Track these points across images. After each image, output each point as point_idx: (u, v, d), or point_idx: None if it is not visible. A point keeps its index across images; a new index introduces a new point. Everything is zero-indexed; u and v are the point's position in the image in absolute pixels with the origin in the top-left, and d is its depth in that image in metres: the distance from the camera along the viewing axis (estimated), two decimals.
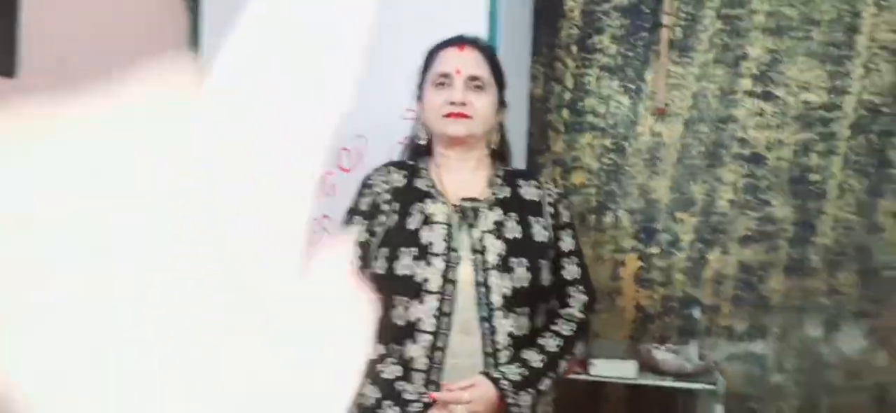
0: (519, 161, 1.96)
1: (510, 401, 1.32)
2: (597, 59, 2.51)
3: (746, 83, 2.42)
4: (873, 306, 2.38)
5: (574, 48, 2.53)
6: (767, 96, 2.41)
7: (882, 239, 2.37)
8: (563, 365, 1.40)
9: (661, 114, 2.48)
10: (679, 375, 2.16)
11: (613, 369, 2.20)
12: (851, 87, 2.36)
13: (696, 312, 2.40)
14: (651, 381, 2.17)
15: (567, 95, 2.55)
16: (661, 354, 2.23)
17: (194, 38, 2.05)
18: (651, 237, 2.51)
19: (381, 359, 1.35)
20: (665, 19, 2.42)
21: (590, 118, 2.54)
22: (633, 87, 2.50)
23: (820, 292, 2.41)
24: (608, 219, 2.54)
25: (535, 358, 1.36)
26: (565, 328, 1.42)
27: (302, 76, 0.20)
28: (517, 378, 1.33)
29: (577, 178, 2.55)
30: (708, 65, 2.44)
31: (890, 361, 2.38)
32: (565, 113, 2.55)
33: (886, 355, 2.38)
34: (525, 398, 1.34)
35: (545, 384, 1.37)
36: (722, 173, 2.45)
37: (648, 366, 2.21)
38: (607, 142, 2.53)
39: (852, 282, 2.38)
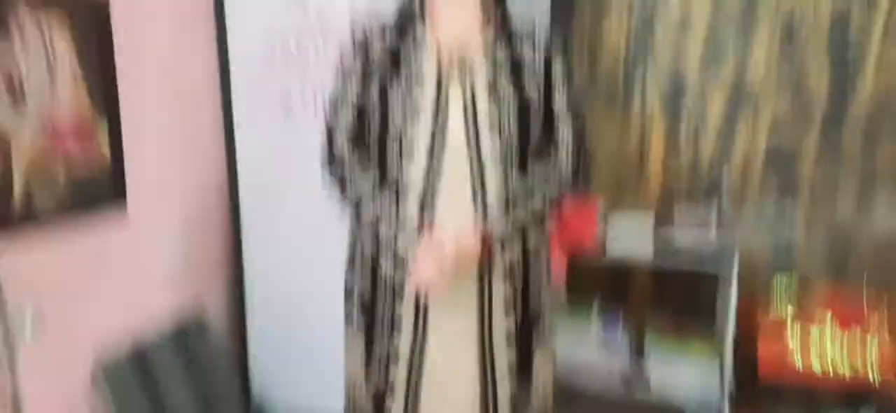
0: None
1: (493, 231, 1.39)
2: None
3: None
4: None
5: None
6: None
7: None
8: (550, 192, 1.44)
9: None
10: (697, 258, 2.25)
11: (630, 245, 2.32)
12: None
13: (723, 179, 2.43)
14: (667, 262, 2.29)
15: None
16: (679, 234, 2.34)
17: None
18: (679, 113, 2.52)
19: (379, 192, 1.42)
20: None
21: None
22: None
23: (853, 164, 2.37)
24: (636, 97, 2.54)
25: (521, 187, 1.41)
26: (554, 162, 1.45)
27: None
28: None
29: (605, 56, 2.53)
30: None
31: None
32: None
33: None
34: (504, 225, 1.39)
35: (534, 206, 1.42)
36: (754, 43, 2.37)
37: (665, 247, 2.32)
38: (635, 19, 2.46)
39: (888, 156, 2.33)
